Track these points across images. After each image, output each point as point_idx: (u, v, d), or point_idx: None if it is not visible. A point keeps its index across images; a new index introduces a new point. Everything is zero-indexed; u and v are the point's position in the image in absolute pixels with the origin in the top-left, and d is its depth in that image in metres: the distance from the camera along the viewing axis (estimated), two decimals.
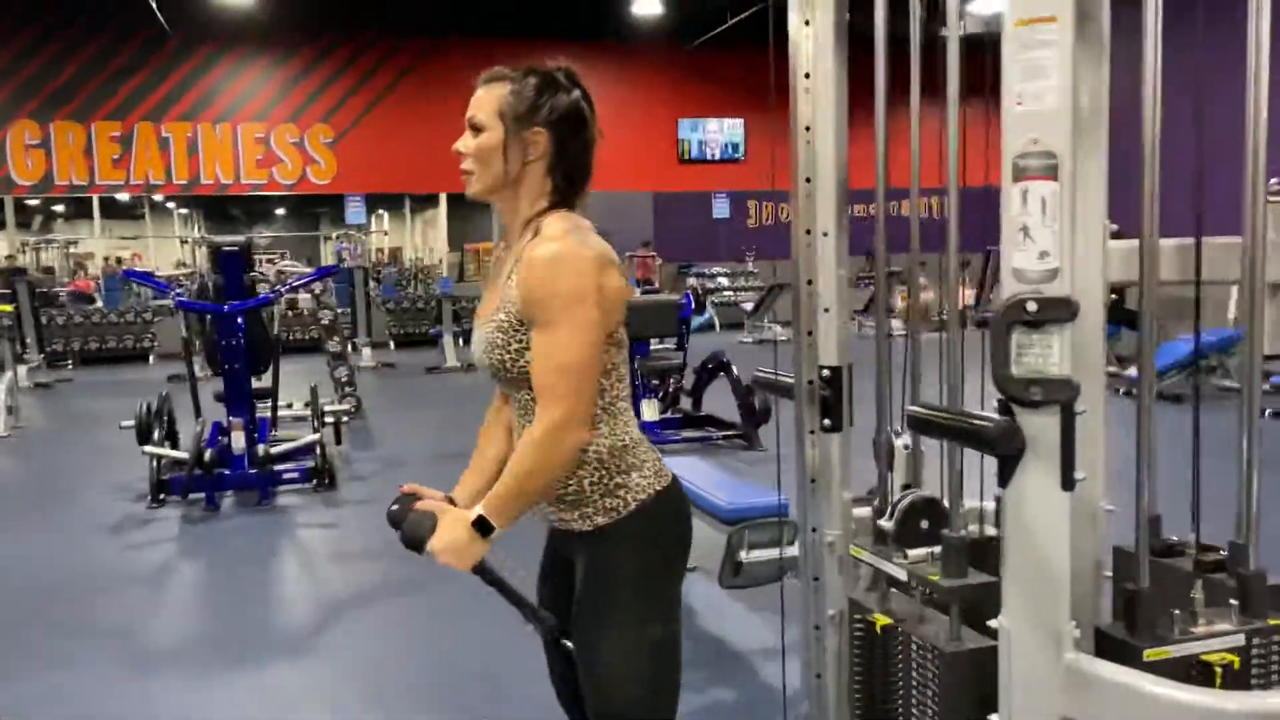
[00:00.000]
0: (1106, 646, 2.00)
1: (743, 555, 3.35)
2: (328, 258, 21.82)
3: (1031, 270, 1.83)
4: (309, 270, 8.01)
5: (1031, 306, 1.80)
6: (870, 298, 14.20)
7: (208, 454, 5.67)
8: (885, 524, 2.19)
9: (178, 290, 6.42)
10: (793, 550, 3.46)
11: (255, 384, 6.13)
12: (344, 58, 14.46)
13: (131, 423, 6.14)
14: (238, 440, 5.86)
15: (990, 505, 2.66)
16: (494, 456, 1.95)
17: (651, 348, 7.30)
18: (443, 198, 18.92)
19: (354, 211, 15.00)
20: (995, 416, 1.82)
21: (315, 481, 6.06)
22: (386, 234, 23.55)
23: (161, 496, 5.81)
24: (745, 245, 17.43)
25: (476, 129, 1.80)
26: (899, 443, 2.64)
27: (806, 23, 2.08)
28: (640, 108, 15.32)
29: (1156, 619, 2.00)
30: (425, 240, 25.12)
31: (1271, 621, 2.05)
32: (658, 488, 1.80)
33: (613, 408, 1.79)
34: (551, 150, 1.79)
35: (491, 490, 1.71)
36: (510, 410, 1.92)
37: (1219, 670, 1.95)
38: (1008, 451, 1.77)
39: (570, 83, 1.81)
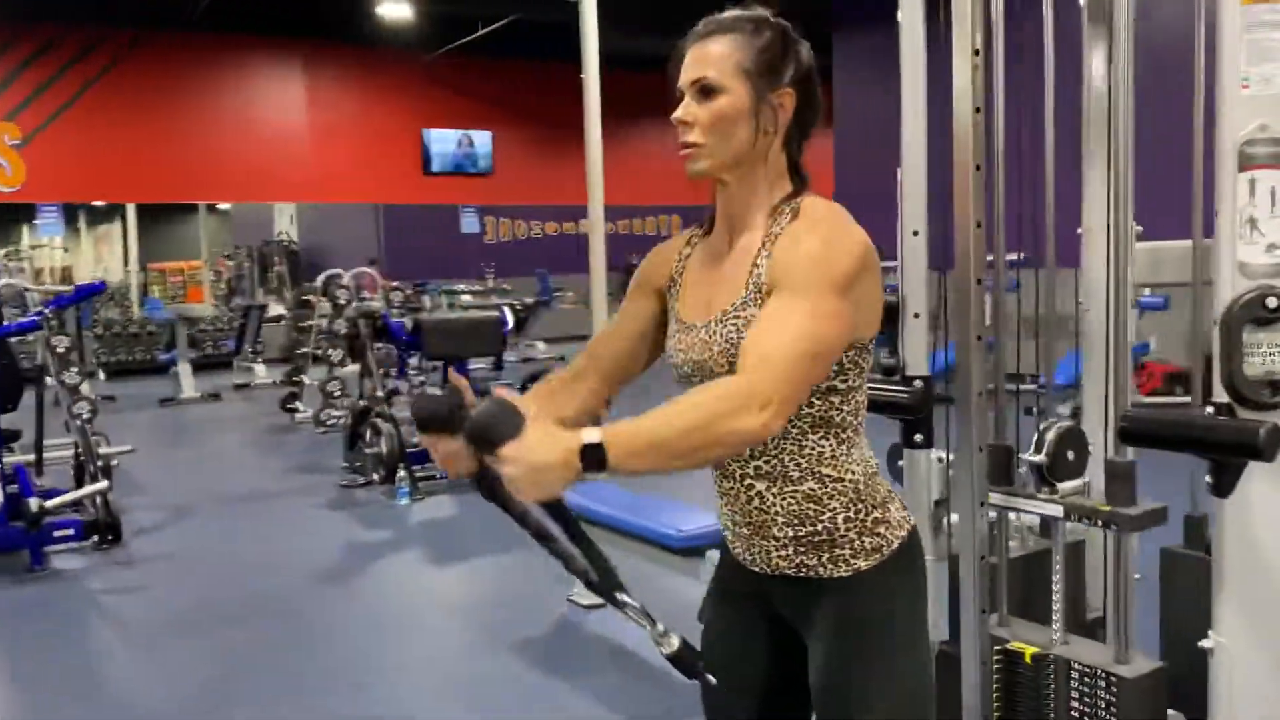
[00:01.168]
0: None
1: None
2: None
3: (1259, 264, 1.73)
4: (65, 289, 6.79)
5: (1272, 302, 1.69)
6: None
7: None
8: (1035, 458, 1.99)
9: None
10: None
11: None
12: (32, 49, 12.55)
13: None
14: None
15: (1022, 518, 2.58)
16: (570, 406, 1.56)
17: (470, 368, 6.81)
18: (131, 209, 16.96)
19: (48, 223, 13.01)
20: (1240, 420, 1.69)
21: (96, 538, 5.09)
22: (66, 250, 20.87)
23: None
24: (484, 262, 16.99)
25: (710, 91, 1.44)
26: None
27: None
28: (383, 116, 14.48)
29: None
30: (101, 258, 22.52)
31: None
32: (912, 522, 1.55)
33: (860, 429, 1.51)
34: (794, 116, 1.48)
35: (624, 421, 1.26)
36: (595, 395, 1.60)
37: None
38: (1272, 458, 1.64)
39: (797, 32, 1.51)
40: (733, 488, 1.54)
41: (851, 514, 1.48)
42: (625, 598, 1.35)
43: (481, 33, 13.00)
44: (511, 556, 4.78)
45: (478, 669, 3.57)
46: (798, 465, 1.47)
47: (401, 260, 15.90)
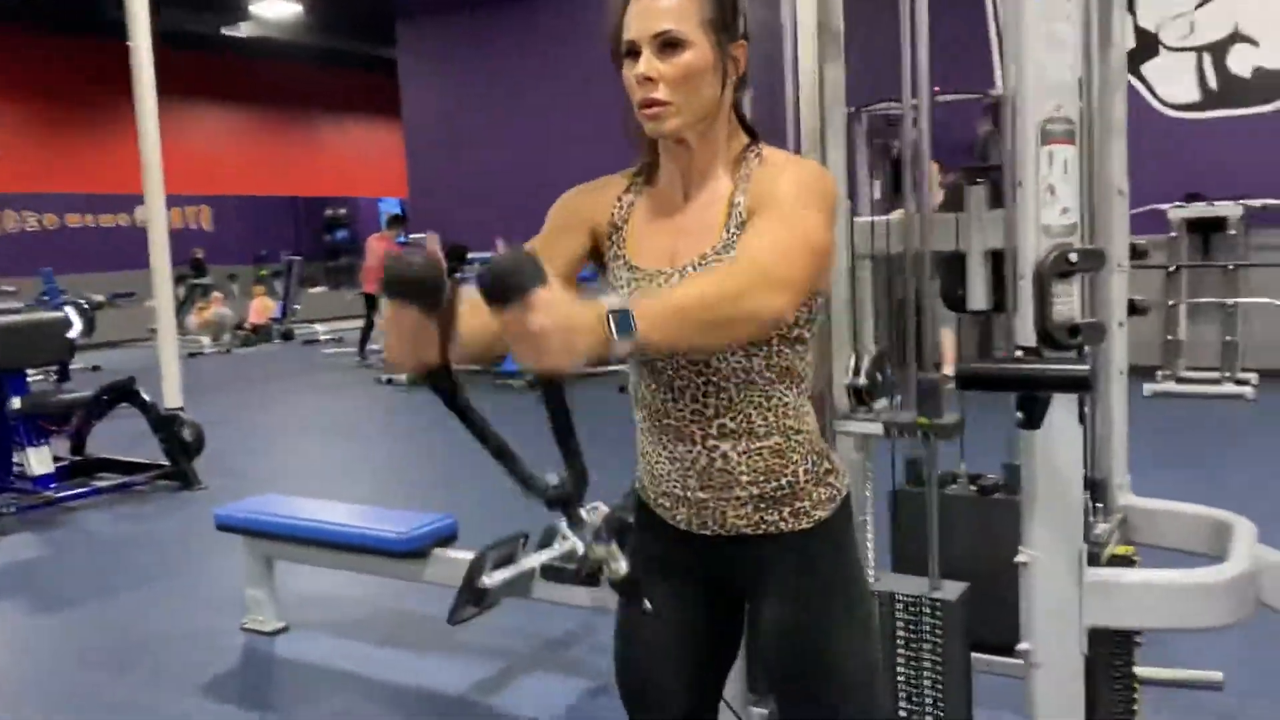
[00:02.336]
0: None
1: (486, 579, 2.93)
2: None
3: (1056, 225, 2.01)
4: None
5: (1073, 257, 1.97)
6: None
7: None
8: (860, 380, 2.23)
9: None
10: (531, 563, 3.14)
11: None
12: None
13: None
14: None
15: None
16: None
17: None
18: None
19: None
20: (1069, 359, 1.95)
21: None
22: None
23: None
24: None
25: (673, 45, 1.39)
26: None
27: None
28: None
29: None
30: None
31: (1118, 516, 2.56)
32: (844, 468, 1.60)
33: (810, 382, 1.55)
34: (743, 72, 1.49)
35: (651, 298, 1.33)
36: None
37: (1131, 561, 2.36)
38: (1094, 389, 1.92)
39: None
40: (690, 451, 1.50)
41: (809, 465, 1.51)
42: (589, 517, 1.26)
43: None
44: (150, 590, 4.14)
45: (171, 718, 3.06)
46: (764, 419, 1.47)
47: None
